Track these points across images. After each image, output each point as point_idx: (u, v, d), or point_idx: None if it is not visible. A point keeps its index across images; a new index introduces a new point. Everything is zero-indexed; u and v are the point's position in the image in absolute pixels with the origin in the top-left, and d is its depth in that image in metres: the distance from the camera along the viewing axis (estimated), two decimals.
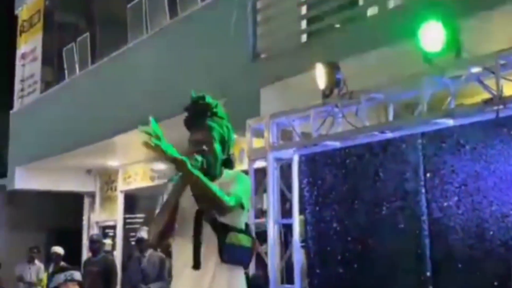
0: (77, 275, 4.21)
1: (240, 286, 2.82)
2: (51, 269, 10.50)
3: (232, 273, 2.77)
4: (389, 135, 4.69)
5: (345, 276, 4.92)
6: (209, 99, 2.94)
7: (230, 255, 2.73)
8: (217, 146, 2.86)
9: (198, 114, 2.93)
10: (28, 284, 11.15)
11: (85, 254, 13.20)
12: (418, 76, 4.43)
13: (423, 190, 4.38)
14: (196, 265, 2.73)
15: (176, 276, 2.85)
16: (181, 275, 2.79)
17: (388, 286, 4.54)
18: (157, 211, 2.82)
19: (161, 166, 11.42)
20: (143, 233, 7.98)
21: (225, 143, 2.91)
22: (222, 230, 2.75)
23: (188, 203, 2.77)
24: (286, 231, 5.64)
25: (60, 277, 4.10)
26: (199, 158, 2.76)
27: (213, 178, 2.81)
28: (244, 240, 2.79)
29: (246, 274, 8.50)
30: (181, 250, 2.80)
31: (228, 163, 2.95)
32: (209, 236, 2.75)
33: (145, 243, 7.90)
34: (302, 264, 5.45)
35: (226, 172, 2.93)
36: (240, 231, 2.80)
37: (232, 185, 2.79)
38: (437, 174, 4.31)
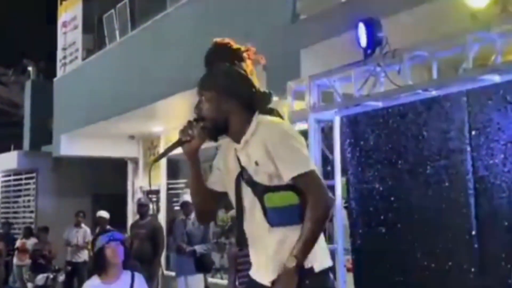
0: (119, 235, 4.30)
1: None
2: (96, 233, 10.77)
3: (289, 235, 2.46)
4: (433, 93, 4.60)
5: (388, 236, 4.91)
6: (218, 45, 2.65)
7: (274, 219, 2.46)
8: (214, 104, 2.53)
9: (205, 63, 2.65)
10: (76, 247, 11.48)
11: (130, 218, 13.48)
12: (463, 32, 4.32)
13: (468, 149, 4.30)
14: (239, 243, 2.60)
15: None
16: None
17: (432, 245, 4.51)
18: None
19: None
20: (188, 197, 8.11)
21: (229, 91, 2.54)
22: (260, 191, 2.47)
23: (231, 168, 2.56)
24: None
25: (103, 238, 4.19)
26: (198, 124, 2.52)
27: (240, 138, 2.53)
28: (286, 198, 2.44)
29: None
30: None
31: (259, 105, 2.55)
32: (251, 200, 2.51)
33: (190, 207, 8.04)
34: (344, 224, 5.46)
35: (261, 121, 2.52)
36: (277, 188, 2.46)
37: (274, 150, 2.42)
38: (482, 132, 4.23)
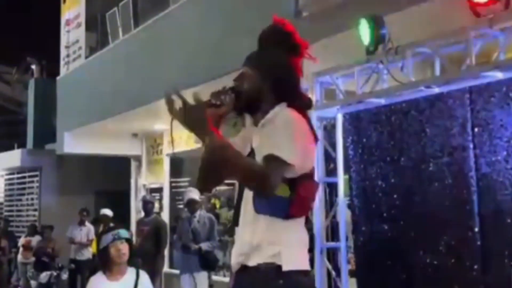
0: (125, 233, 4.28)
1: (281, 240, 2.44)
2: (100, 231, 10.80)
3: (272, 226, 2.42)
4: (436, 90, 4.61)
5: (390, 233, 4.91)
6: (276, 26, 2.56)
7: (261, 206, 2.41)
8: (255, 83, 2.49)
9: (261, 40, 2.58)
10: (79, 244, 11.51)
11: (133, 216, 13.50)
12: (466, 28, 4.31)
13: (471, 146, 4.30)
14: (234, 221, 2.61)
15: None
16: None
17: (434, 242, 4.51)
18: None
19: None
20: (193, 194, 8.12)
21: (272, 78, 2.49)
22: None
23: (245, 150, 2.49)
24: (331, 190, 5.64)
25: (108, 236, 4.17)
26: (231, 95, 2.44)
27: (259, 116, 2.50)
28: (280, 190, 2.35)
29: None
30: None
31: (297, 102, 2.51)
32: None
33: (195, 205, 8.06)
34: (347, 221, 5.46)
35: (281, 111, 2.48)
36: None
37: (269, 136, 2.38)
38: (485, 129, 4.23)
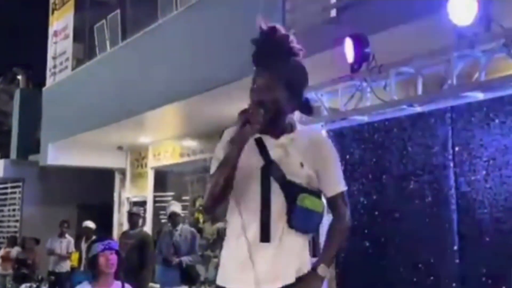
0: (115, 244, 4.30)
1: (308, 258, 2.49)
2: (83, 244, 10.73)
3: (300, 242, 2.43)
4: (418, 109, 4.66)
5: (371, 250, 4.94)
6: (280, 31, 2.53)
7: (300, 220, 2.38)
8: (280, 93, 2.44)
9: (265, 52, 2.50)
10: (59, 256, 11.41)
11: (116, 229, 13.45)
12: (448, 49, 4.39)
13: (451, 164, 4.35)
14: (265, 236, 2.35)
15: (228, 245, 2.48)
16: (237, 242, 2.42)
17: (414, 259, 4.54)
18: (212, 171, 2.44)
19: (191, 143, 11.51)
20: (175, 207, 8.12)
21: (293, 87, 2.49)
22: (291, 190, 2.39)
23: (248, 161, 2.41)
24: None
25: (99, 246, 4.17)
26: (261, 111, 2.36)
27: (280, 133, 2.47)
28: (317, 205, 2.43)
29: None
30: (234, 213, 2.44)
31: (303, 109, 2.62)
32: (277, 196, 2.40)
33: (177, 218, 8.04)
34: None
35: (301, 127, 2.54)
36: (312, 192, 2.43)
37: (324, 162, 2.48)
38: (465, 148, 4.28)
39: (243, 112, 2.38)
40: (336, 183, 2.51)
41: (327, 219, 2.58)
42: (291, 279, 2.39)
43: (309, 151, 2.46)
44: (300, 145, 2.46)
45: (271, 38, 2.53)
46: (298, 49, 2.57)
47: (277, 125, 2.48)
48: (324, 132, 5.40)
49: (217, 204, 2.44)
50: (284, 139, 2.47)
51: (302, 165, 2.42)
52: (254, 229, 2.38)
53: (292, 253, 2.40)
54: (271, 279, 2.37)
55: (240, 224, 2.40)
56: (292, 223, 2.38)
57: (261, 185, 2.40)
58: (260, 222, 2.38)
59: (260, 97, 2.42)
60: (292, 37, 2.57)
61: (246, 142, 2.37)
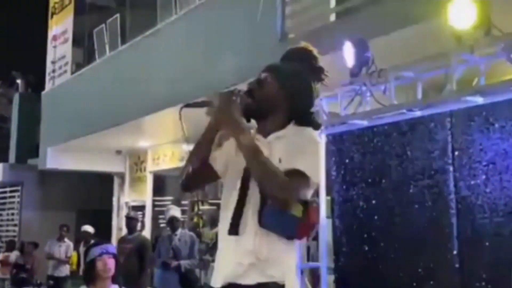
0: (112, 248, 4.28)
1: (288, 267, 2.41)
2: (81, 248, 10.72)
3: (273, 244, 2.35)
4: (417, 113, 4.66)
5: (371, 254, 4.93)
6: (314, 51, 2.56)
7: (268, 219, 2.33)
8: (275, 92, 2.47)
9: (288, 55, 2.59)
10: (58, 261, 11.38)
11: (115, 233, 13.43)
12: (447, 54, 4.39)
13: (451, 169, 4.35)
14: (233, 230, 2.37)
15: (220, 239, 2.50)
16: (225, 237, 2.43)
17: (414, 264, 4.54)
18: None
19: (190, 147, 11.50)
20: (174, 212, 8.09)
21: (293, 94, 2.48)
22: None
23: (236, 161, 2.43)
24: None
25: (96, 250, 4.15)
26: (242, 94, 2.41)
27: (271, 132, 2.46)
28: (294, 208, 2.34)
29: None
30: (226, 209, 2.45)
31: (307, 122, 2.51)
32: (254, 196, 2.38)
33: (177, 223, 8.02)
34: (328, 242, 5.48)
35: (295, 127, 2.49)
36: None
37: (296, 151, 2.36)
38: (465, 153, 4.28)
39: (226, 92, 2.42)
40: (296, 161, 2.35)
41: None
42: (251, 281, 2.33)
43: (290, 145, 2.40)
44: (285, 141, 2.42)
45: (296, 50, 2.58)
46: (318, 69, 2.56)
47: (266, 124, 2.49)
48: (323, 136, 5.41)
49: (190, 181, 2.52)
50: (271, 137, 2.47)
51: (280, 160, 2.38)
52: (226, 225, 2.41)
53: (261, 255, 2.33)
54: (232, 273, 2.36)
55: (226, 222, 2.45)
56: (261, 221, 2.34)
57: (241, 184, 2.41)
58: (231, 218, 2.39)
59: (250, 86, 2.49)
60: (319, 59, 2.57)
61: (222, 120, 2.42)
